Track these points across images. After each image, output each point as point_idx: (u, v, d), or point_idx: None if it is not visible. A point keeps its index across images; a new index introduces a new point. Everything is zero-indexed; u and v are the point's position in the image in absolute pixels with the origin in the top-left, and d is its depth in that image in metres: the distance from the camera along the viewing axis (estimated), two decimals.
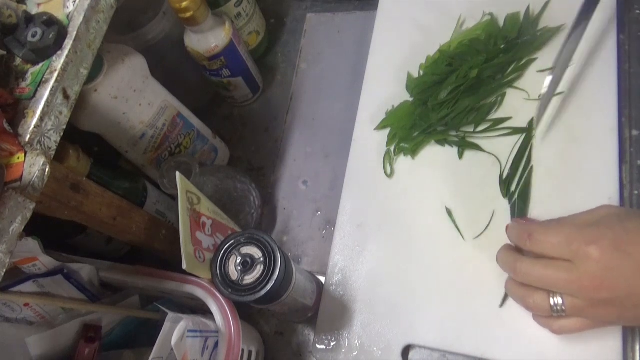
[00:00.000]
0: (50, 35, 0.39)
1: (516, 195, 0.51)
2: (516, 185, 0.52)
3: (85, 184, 0.42)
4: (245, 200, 0.59)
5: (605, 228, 0.39)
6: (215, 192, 0.57)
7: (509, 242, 0.48)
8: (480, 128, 0.55)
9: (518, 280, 0.43)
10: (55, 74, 0.38)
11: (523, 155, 0.53)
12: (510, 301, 0.48)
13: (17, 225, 0.34)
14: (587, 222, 0.41)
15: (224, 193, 0.58)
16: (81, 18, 0.40)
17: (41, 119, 0.37)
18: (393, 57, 0.62)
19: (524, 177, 0.52)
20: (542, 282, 0.41)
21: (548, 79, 0.49)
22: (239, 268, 0.42)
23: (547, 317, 0.43)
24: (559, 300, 0.40)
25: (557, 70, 0.49)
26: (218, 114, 0.72)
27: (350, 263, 0.55)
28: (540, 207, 0.50)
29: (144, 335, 0.54)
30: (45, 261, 0.45)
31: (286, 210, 0.64)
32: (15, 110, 0.38)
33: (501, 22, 0.57)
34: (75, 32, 0.40)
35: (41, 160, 0.35)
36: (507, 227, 0.48)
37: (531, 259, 0.42)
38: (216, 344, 0.45)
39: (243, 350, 0.51)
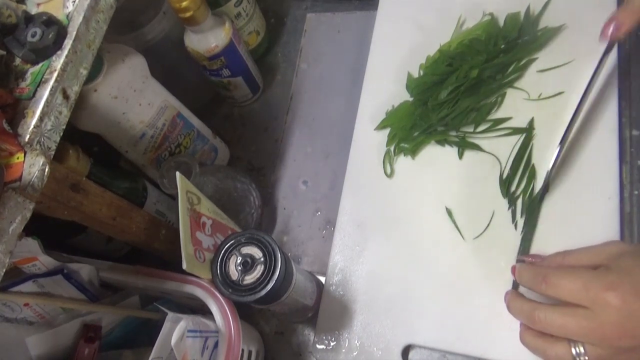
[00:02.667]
0: (50, 35, 0.39)
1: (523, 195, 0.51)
2: (516, 186, 0.52)
3: (85, 184, 0.42)
4: (245, 200, 0.59)
5: (622, 272, 0.38)
6: (215, 192, 0.57)
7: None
8: (480, 128, 0.55)
9: (536, 328, 0.42)
10: (55, 74, 0.38)
11: (523, 155, 0.53)
12: None
13: (17, 225, 0.34)
14: (597, 262, 0.40)
15: (224, 193, 0.58)
16: (81, 18, 0.40)
17: (41, 119, 0.37)
18: (393, 57, 0.62)
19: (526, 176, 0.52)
20: (562, 331, 0.40)
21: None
22: (239, 268, 0.42)
23: None
24: (581, 349, 0.39)
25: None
26: (218, 114, 0.72)
27: (350, 263, 0.55)
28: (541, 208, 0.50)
29: (144, 335, 0.54)
30: (45, 261, 0.44)
31: (286, 210, 0.64)
32: (15, 110, 0.38)
33: (501, 22, 0.57)
34: (74, 32, 0.40)
35: (41, 160, 0.35)
36: (514, 269, 0.46)
37: (549, 306, 0.41)
38: (216, 344, 0.45)
39: (243, 350, 0.51)
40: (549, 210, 0.50)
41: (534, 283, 0.42)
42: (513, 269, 0.47)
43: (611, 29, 0.45)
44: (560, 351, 0.40)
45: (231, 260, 0.43)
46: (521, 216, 0.51)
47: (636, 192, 0.50)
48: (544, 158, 0.52)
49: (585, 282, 0.38)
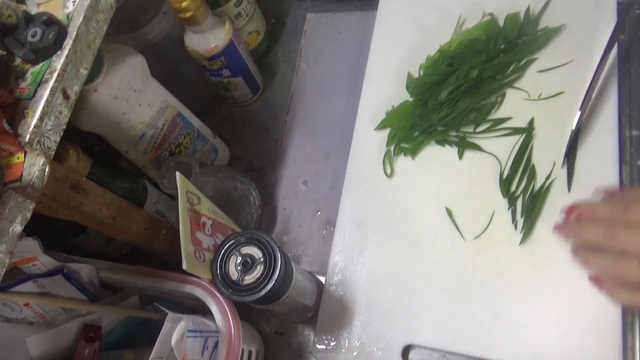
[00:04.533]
0: (50, 35, 0.39)
1: (524, 196, 0.51)
2: (516, 186, 0.52)
3: (85, 184, 0.42)
4: (245, 200, 0.59)
5: None
6: (215, 192, 0.57)
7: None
8: (480, 128, 0.55)
9: (614, 245, 0.38)
10: (55, 74, 0.38)
11: (523, 155, 0.53)
12: (509, 301, 0.48)
13: (17, 225, 0.34)
14: None
15: (224, 193, 0.58)
16: (81, 18, 0.40)
17: (41, 119, 0.37)
18: (393, 57, 0.62)
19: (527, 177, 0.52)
20: None
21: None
22: (239, 268, 0.42)
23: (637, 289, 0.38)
24: None
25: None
26: (218, 114, 0.72)
27: (350, 263, 0.55)
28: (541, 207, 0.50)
29: (144, 335, 0.54)
30: (45, 261, 0.45)
31: (286, 210, 0.64)
32: (15, 110, 0.38)
33: (501, 22, 0.57)
34: (75, 32, 0.40)
35: (41, 160, 0.35)
36: (562, 226, 0.44)
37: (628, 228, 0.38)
38: (216, 344, 0.45)
39: (243, 350, 0.51)
40: (549, 210, 0.50)
41: (615, 211, 0.39)
42: (572, 212, 0.43)
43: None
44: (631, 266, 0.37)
45: (231, 260, 0.43)
46: (521, 216, 0.51)
47: None
48: (544, 158, 0.52)
49: None
